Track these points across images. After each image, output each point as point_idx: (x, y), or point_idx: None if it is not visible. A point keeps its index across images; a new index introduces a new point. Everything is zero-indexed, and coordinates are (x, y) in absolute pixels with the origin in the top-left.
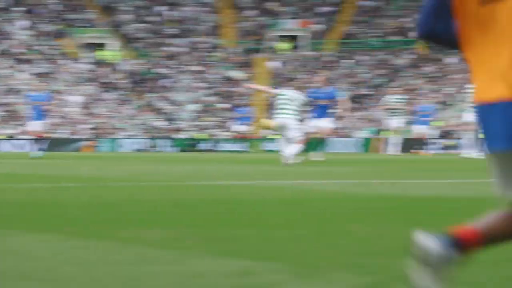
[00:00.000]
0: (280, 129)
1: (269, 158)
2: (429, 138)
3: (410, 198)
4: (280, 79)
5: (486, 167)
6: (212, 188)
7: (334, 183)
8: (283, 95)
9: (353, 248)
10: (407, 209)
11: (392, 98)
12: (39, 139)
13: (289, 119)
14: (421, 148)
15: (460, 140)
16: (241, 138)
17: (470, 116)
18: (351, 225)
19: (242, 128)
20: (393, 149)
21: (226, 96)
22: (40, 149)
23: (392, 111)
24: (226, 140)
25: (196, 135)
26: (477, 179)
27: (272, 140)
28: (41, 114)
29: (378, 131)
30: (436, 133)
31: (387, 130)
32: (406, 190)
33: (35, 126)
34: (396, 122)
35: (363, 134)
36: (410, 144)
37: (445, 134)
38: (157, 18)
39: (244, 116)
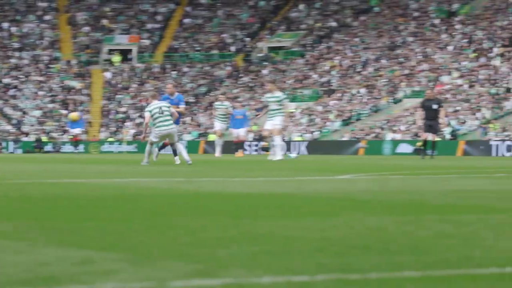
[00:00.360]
0: (167, 137)
1: (106, 159)
2: (247, 141)
3: (231, 194)
4: (114, 88)
5: (294, 167)
6: (54, 185)
7: (165, 181)
8: (155, 108)
9: (182, 239)
10: (229, 204)
11: (218, 105)
12: None
13: (173, 128)
14: (240, 149)
15: (272, 143)
16: (78, 140)
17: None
18: (180, 219)
19: (75, 131)
20: (217, 151)
21: (66, 103)
22: None
23: (218, 116)
24: (67, 143)
25: (43, 138)
26: (286, 177)
27: (111, 143)
28: None
29: (204, 135)
30: (251, 136)
31: (213, 133)
32: (228, 187)
33: None
34: (219, 126)
35: (191, 137)
36: (231, 146)
37: (260, 137)
38: (2, 33)
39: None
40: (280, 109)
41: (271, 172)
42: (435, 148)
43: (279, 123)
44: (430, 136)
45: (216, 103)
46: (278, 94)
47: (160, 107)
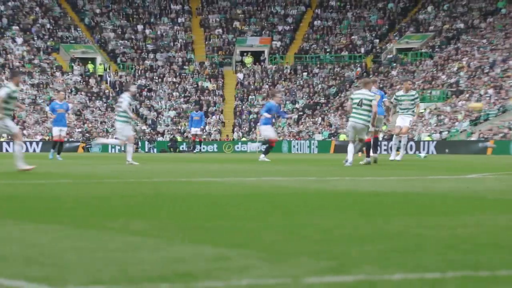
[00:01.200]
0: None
1: (240, 158)
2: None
3: (363, 193)
4: (246, 89)
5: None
6: (189, 184)
7: (297, 180)
8: (356, 97)
9: (315, 237)
10: (361, 202)
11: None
12: (59, 143)
13: (359, 123)
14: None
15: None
16: (197, 140)
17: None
18: (312, 217)
19: (195, 131)
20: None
21: (200, 104)
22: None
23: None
24: (202, 142)
25: (177, 137)
26: (415, 176)
27: (243, 142)
28: (63, 121)
29: (334, 135)
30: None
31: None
32: (360, 186)
33: (58, 131)
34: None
35: (322, 137)
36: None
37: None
38: (137, 36)
39: (198, 120)
40: (412, 108)
41: (401, 171)
42: None
43: (409, 123)
44: None
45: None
46: (413, 93)
47: (362, 99)
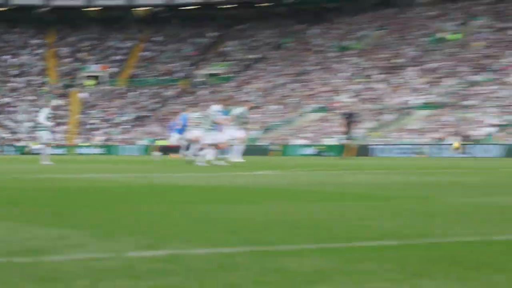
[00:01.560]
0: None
1: (81, 159)
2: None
3: (179, 186)
4: (87, 106)
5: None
6: (43, 180)
7: (124, 176)
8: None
9: (138, 219)
10: (175, 193)
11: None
12: None
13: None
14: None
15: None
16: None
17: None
18: (137, 204)
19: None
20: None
21: (53, 117)
22: None
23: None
24: (53, 147)
25: (32, 143)
26: (219, 172)
27: (84, 147)
28: None
29: (154, 140)
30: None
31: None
32: (175, 181)
33: None
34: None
35: (144, 142)
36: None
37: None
38: (3, 63)
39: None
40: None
41: (211, 169)
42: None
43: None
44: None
45: (191, 114)
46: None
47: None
